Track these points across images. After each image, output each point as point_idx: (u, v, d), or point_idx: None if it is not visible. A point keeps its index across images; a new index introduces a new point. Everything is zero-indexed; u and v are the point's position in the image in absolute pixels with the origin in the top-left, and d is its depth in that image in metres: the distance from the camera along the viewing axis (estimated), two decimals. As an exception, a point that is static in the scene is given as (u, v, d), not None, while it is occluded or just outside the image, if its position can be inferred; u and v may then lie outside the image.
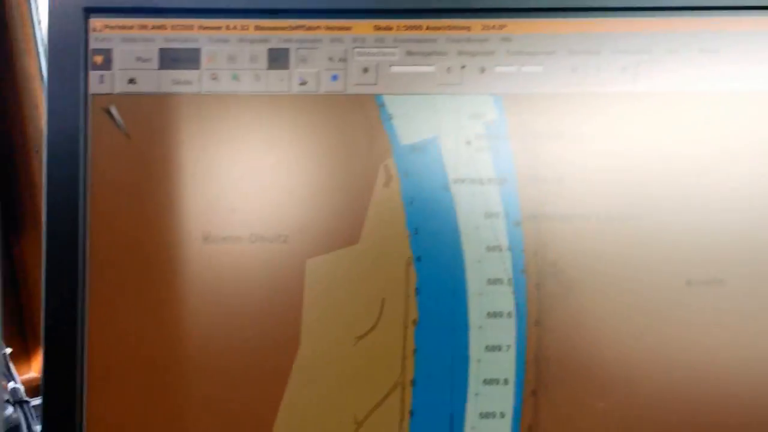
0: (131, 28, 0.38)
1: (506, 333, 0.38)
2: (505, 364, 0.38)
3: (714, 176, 0.38)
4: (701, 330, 0.38)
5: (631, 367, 0.38)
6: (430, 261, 0.38)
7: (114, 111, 0.38)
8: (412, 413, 0.38)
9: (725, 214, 0.38)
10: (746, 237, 0.38)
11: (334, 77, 0.38)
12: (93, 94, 0.38)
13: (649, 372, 0.38)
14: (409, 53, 0.38)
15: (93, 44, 0.38)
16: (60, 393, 0.37)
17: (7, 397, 0.52)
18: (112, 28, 0.38)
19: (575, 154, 0.38)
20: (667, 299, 0.38)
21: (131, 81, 0.38)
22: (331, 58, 0.38)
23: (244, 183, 0.38)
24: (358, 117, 0.38)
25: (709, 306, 0.38)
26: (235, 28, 0.38)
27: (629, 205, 0.38)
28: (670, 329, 0.38)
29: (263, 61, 0.38)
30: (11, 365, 0.55)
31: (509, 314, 0.38)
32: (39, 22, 0.62)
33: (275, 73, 0.38)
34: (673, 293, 0.38)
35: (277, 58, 0.38)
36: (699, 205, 0.38)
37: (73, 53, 0.38)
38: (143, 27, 0.38)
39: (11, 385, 0.53)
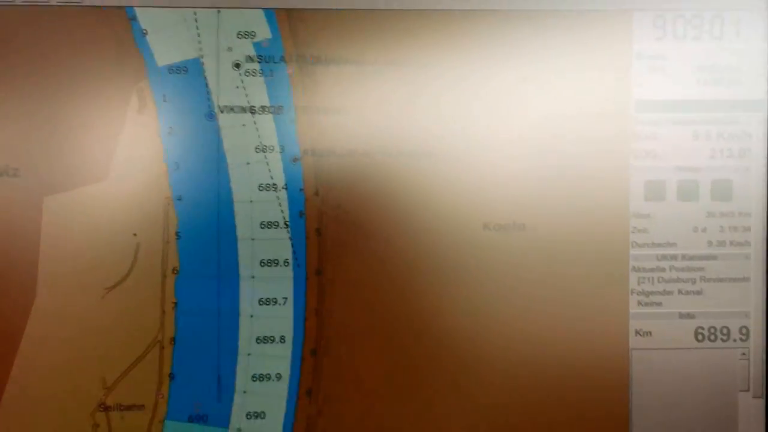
0: None
1: (282, 284, 0.34)
2: (282, 320, 0.34)
3: (512, 120, 0.33)
4: (501, 274, 0.34)
5: (423, 318, 0.34)
6: (193, 201, 0.33)
7: None
8: (172, 376, 0.33)
9: (524, 160, 0.33)
10: (547, 182, 0.33)
11: (77, -16, 0.32)
12: None
13: (443, 321, 0.34)
14: (167, -42, 0.33)
15: None
16: None
17: None
18: None
19: (360, 81, 0.33)
20: (463, 244, 0.34)
21: None
22: (73, -38, 0.32)
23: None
24: (104, 32, 0.32)
25: (510, 250, 0.34)
26: None
27: (422, 140, 0.33)
28: (467, 275, 0.34)
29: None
30: None
31: (286, 262, 0.34)
32: None
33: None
34: (470, 237, 0.34)
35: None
36: (498, 148, 0.33)
37: None
38: None
39: None
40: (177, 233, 0.33)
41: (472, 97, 0.33)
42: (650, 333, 0.34)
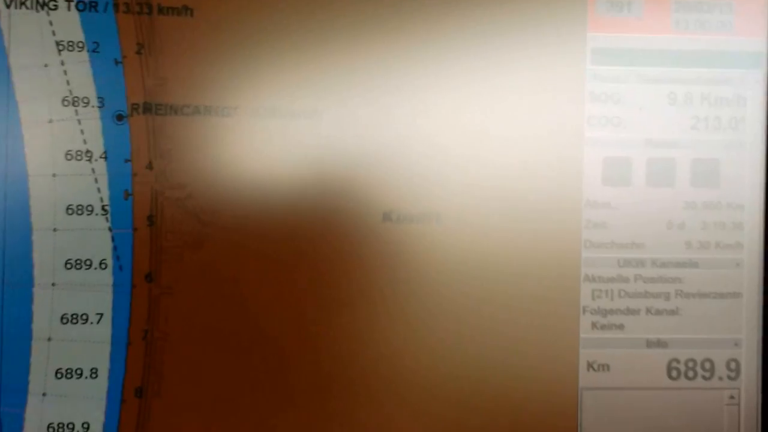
0: None
1: (97, 295, 0.24)
2: (94, 346, 0.24)
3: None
4: (405, 282, 0.24)
5: (299, 343, 0.24)
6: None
7: None
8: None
9: (436, 148, 0.24)
10: (467, 159, 0.24)
11: None
12: None
13: (327, 350, 0.24)
14: None
15: None
16: None
17: None
18: None
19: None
20: (357, 238, 0.24)
21: None
22: None
23: None
24: None
25: (418, 248, 0.24)
26: None
27: (306, 95, 0.24)
28: (362, 279, 0.24)
29: None
30: None
31: (103, 264, 0.24)
32: None
33: None
34: (366, 230, 0.24)
35: None
36: (399, 104, 0.24)
37: None
38: None
39: None
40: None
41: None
42: (607, 367, 0.25)
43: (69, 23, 0.23)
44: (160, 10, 0.24)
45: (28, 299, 0.23)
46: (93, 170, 0.24)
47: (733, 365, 0.25)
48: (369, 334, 0.24)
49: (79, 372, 0.24)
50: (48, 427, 0.23)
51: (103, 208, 0.24)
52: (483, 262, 0.24)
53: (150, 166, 0.24)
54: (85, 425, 0.24)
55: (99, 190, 0.24)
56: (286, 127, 0.24)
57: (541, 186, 0.24)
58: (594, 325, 0.25)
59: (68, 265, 0.24)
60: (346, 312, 0.24)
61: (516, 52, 0.24)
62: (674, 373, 0.25)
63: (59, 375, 0.24)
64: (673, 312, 0.25)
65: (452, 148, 0.24)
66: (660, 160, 0.25)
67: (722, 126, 0.25)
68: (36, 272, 0.23)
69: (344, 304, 0.24)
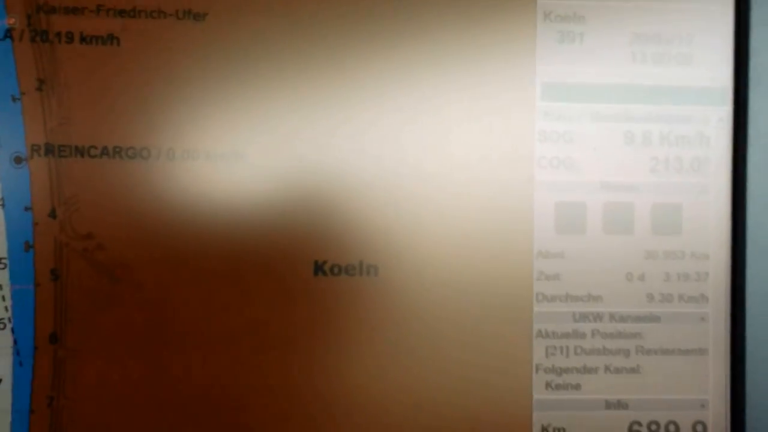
0: None
1: (-6, 358, 0.21)
2: None
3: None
4: (339, 341, 0.22)
5: (224, 411, 0.22)
6: None
7: None
8: None
9: (373, 193, 0.22)
10: (397, 220, 0.22)
11: None
12: None
13: (256, 417, 0.22)
14: None
15: None
16: None
17: None
18: None
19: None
20: (286, 292, 0.22)
21: None
22: None
23: None
24: None
25: (353, 302, 0.22)
26: None
27: (228, 136, 0.22)
28: (292, 338, 0.22)
29: None
30: None
31: (1, 323, 0.21)
32: None
33: None
34: (296, 283, 0.22)
35: None
36: (329, 132, 0.22)
37: None
38: None
39: None
40: None
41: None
42: (564, 430, 0.23)
43: (-41, 57, 0.21)
44: (83, 39, 0.21)
45: None
46: (-12, 218, 0.21)
47: (699, 428, 0.23)
48: (300, 397, 0.22)
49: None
50: None
51: (0, 261, 0.21)
52: (426, 319, 0.22)
53: (53, 214, 0.21)
54: None
55: (-4, 242, 0.21)
56: (204, 171, 0.22)
57: (489, 235, 0.22)
58: (548, 384, 0.23)
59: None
60: (278, 372, 0.22)
61: (459, 88, 0.22)
62: (636, 438, 0.23)
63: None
64: (633, 370, 0.23)
65: (391, 194, 0.22)
66: (617, 205, 0.22)
67: (684, 167, 0.23)
68: None
69: (273, 364, 0.22)
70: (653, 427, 0.23)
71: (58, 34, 0.21)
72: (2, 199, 0.21)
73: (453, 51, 0.22)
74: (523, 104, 0.22)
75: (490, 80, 0.22)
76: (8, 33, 0.21)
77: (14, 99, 0.21)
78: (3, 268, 0.21)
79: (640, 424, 0.23)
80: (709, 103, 0.23)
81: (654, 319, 0.23)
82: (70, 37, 0.21)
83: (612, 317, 0.23)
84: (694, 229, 0.23)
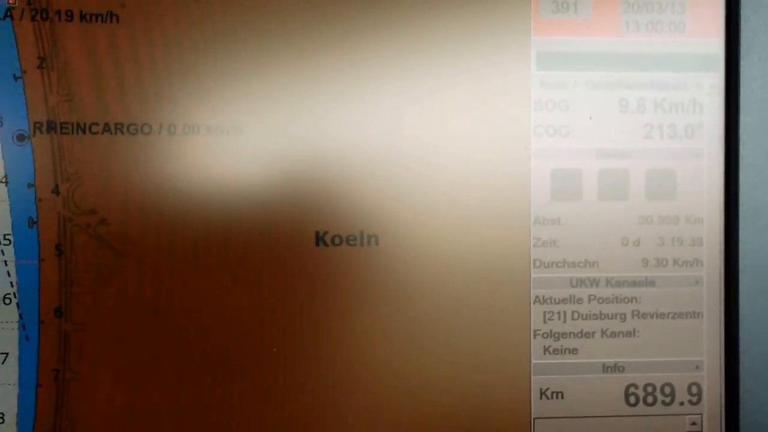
0: None
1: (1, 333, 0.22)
2: None
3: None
4: (341, 309, 0.22)
5: (230, 386, 0.22)
6: None
7: None
8: None
9: (372, 163, 0.22)
10: (396, 189, 0.22)
11: None
12: None
13: (261, 390, 0.22)
14: None
15: None
16: None
17: None
18: None
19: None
20: (289, 262, 0.22)
21: None
22: None
23: None
24: None
25: (355, 272, 0.22)
26: None
27: (230, 110, 0.22)
28: (295, 308, 0.22)
29: None
30: None
31: (6, 298, 0.22)
32: None
33: None
34: (298, 253, 0.22)
35: None
36: (331, 110, 0.22)
37: None
38: None
39: None
40: None
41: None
42: (561, 394, 0.23)
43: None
44: (82, 17, 0.22)
45: None
46: (-7, 195, 0.22)
47: (694, 389, 0.23)
48: (303, 367, 0.22)
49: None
50: (-53, 481, 0.21)
51: (5, 237, 0.22)
52: (425, 287, 0.23)
53: (56, 191, 0.22)
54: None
55: (0, 217, 0.22)
56: (205, 145, 0.22)
57: (487, 202, 0.23)
58: (546, 349, 0.23)
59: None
60: (276, 343, 0.22)
61: (455, 58, 0.22)
62: (633, 399, 0.23)
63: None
64: (629, 334, 0.23)
65: (389, 165, 0.22)
66: (612, 171, 0.23)
67: (678, 134, 0.23)
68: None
69: (275, 333, 0.22)
70: (649, 388, 0.23)
71: (58, 12, 0.22)
72: (6, 176, 0.22)
73: (449, 23, 0.22)
74: (519, 74, 0.22)
75: (486, 51, 0.22)
76: (8, 12, 0.21)
77: (15, 77, 0.21)
78: (8, 244, 0.22)
79: (636, 386, 0.23)
80: (702, 70, 0.23)
81: (649, 283, 0.23)
82: (69, 15, 0.22)
83: (608, 282, 0.23)
84: (688, 194, 0.23)
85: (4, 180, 0.22)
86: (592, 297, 0.23)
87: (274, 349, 0.22)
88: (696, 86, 0.23)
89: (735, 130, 0.23)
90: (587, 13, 0.23)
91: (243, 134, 0.22)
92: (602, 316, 0.23)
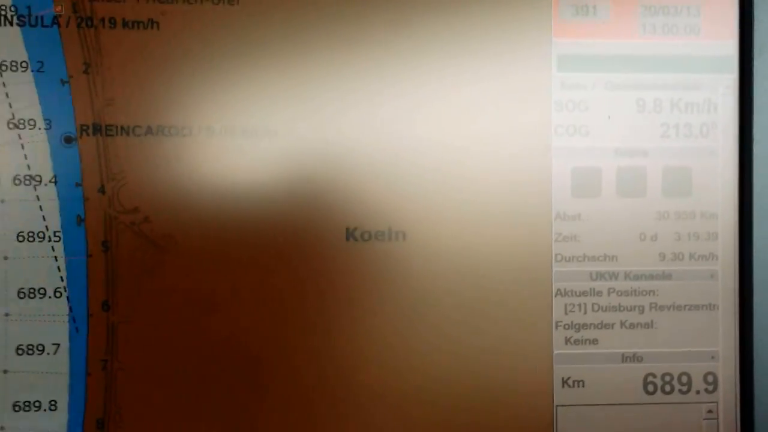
0: None
1: (52, 325, 0.23)
2: (52, 377, 0.23)
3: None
4: (371, 302, 0.24)
5: (261, 373, 0.23)
6: None
7: None
8: None
9: (400, 163, 0.24)
10: (423, 187, 0.24)
11: None
12: None
13: (291, 378, 0.23)
14: None
15: None
16: None
17: None
18: None
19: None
20: (321, 258, 0.23)
21: None
22: None
23: None
24: None
25: (383, 267, 0.24)
26: None
27: (263, 113, 0.23)
28: (328, 302, 0.23)
29: None
30: None
31: (57, 292, 0.23)
32: None
33: None
34: (330, 249, 0.23)
35: None
36: (361, 113, 0.23)
37: None
38: None
39: None
40: None
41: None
42: (582, 383, 0.24)
43: (10, 41, 0.22)
44: (125, 24, 0.23)
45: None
46: (38, 197, 0.23)
47: (710, 378, 0.24)
48: (337, 357, 0.24)
49: (37, 405, 0.23)
50: (5, 463, 0.23)
51: (54, 234, 0.23)
52: (451, 280, 0.24)
53: (102, 190, 0.23)
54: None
55: (46, 217, 0.23)
56: (242, 146, 0.23)
57: (510, 199, 0.24)
58: (567, 340, 0.24)
59: (21, 294, 0.23)
60: (313, 334, 0.23)
61: (479, 61, 0.23)
62: (651, 388, 0.24)
63: (17, 408, 0.23)
64: (647, 325, 0.24)
65: (416, 164, 0.23)
66: (630, 169, 0.24)
67: (693, 133, 0.24)
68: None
69: (310, 326, 0.23)
70: (667, 378, 0.24)
71: (102, 20, 0.23)
72: (55, 176, 0.23)
73: (476, 27, 0.23)
74: (541, 75, 0.24)
75: (508, 54, 0.23)
76: (56, 20, 0.23)
77: (63, 82, 0.23)
78: (58, 241, 0.23)
79: (654, 375, 0.24)
80: (717, 72, 0.24)
81: (666, 276, 0.24)
82: (113, 23, 0.23)
83: (627, 276, 0.24)
84: (704, 190, 0.24)
85: (53, 180, 0.23)
86: (611, 290, 0.24)
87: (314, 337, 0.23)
88: (711, 87, 0.24)
89: (749, 128, 0.24)
90: (606, 15, 0.24)
91: (277, 136, 0.23)
92: (621, 309, 0.24)
